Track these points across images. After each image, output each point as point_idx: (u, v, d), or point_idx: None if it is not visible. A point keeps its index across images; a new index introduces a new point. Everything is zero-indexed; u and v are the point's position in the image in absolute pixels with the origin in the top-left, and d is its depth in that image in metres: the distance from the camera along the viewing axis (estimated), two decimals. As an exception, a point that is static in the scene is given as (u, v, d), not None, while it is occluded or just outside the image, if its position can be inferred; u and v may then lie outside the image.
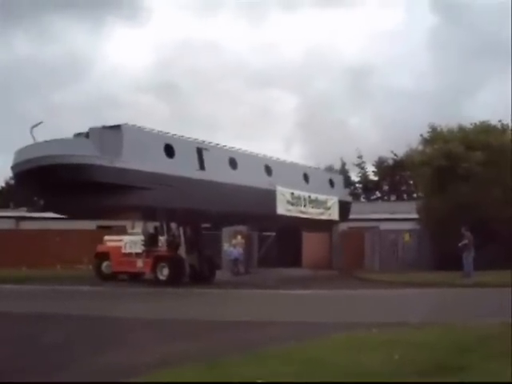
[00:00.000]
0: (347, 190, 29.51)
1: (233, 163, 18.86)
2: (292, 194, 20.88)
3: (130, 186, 15.45)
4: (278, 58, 73.19)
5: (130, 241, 20.53)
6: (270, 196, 19.77)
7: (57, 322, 9.80)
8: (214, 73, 72.87)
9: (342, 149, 68.74)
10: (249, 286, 18.78)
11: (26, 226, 30.33)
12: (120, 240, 20.82)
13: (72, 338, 8.11)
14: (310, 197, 21.81)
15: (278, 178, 20.34)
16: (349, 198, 25.67)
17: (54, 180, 15.20)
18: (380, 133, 64.51)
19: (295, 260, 29.05)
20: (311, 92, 69.72)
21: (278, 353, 6.18)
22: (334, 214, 23.16)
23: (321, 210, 22.48)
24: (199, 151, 17.90)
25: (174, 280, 18.36)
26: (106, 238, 21.58)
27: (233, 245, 25.09)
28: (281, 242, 29.24)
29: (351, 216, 27.22)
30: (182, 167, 16.99)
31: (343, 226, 28.15)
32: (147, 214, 18.44)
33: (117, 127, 15.95)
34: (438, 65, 68.61)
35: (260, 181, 19.52)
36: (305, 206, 21.59)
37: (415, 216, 26.84)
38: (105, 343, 7.65)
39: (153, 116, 63.04)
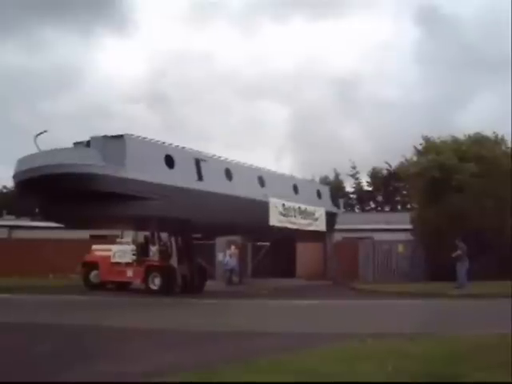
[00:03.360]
0: (341, 201, 29.73)
1: (229, 174, 19.00)
2: (283, 205, 21.18)
3: (133, 196, 15.42)
4: (270, 69, 73.92)
5: (119, 250, 20.37)
6: (263, 207, 19.98)
7: (49, 331, 9.71)
8: (206, 83, 73.32)
9: (335, 159, 69.18)
10: (243, 296, 18.70)
11: (18, 234, 30.14)
12: (108, 249, 20.63)
13: (63, 348, 8.03)
14: (299, 208, 22.13)
15: (270, 189, 20.62)
16: (335, 209, 25.96)
17: (58, 189, 15.06)
18: (372, 144, 65.08)
19: (289, 270, 29.03)
20: (303, 103, 70.43)
21: (272, 363, 6.13)
22: (322, 225, 23.47)
23: (309, 221, 22.82)
24: (197, 162, 18.02)
25: (166, 290, 18.32)
26: (94, 247, 21.30)
27: (229, 255, 25.10)
28: (275, 252, 29.17)
29: (345, 226, 27.63)
30: (182, 178, 17.05)
31: (338, 237, 28.21)
32: (147, 224, 18.46)
33: (119, 137, 15.97)
34: (425, 77, 69.92)
35: (254, 192, 19.71)
36: (295, 216, 21.94)
37: (409, 227, 26.89)
38: (97, 353, 7.57)
39: (144, 126, 63.40)
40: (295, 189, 22.67)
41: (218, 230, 22.20)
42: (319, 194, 24.46)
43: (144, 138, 16.83)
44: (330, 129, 68.06)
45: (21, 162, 15.97)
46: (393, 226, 28.74)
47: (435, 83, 69.96)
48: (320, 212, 23.28)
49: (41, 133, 16.19)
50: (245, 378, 5.37)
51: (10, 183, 51.26)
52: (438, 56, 70.73)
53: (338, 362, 6.11)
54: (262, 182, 20.57)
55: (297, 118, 69.81)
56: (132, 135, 16.39)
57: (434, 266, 23.02)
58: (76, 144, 16.64)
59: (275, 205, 20.69)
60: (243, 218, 18.54)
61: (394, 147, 50.60)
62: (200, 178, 17.84)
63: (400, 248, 25.25)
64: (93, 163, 15.27)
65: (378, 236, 27.95)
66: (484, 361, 6.00)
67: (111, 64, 79.47)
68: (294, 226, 21.77)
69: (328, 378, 5.36)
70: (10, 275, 22.89)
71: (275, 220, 20.62)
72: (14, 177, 16.33)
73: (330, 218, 24.16)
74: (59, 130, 58.55)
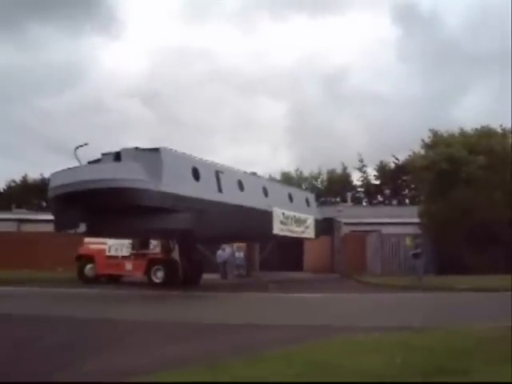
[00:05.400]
0: (349, 194, 30.13)
1: (240, 185, 19.28)
2: (283, 214, 21.93)
3: (171, 209, 15.37)
4: (268, 66, 74.07)
5: (115, 243, 20.28)
6: (267, 216, 20.61)
7: (60, 324, 9.83)
8: (204, 80, 73.26)
9: (337, 154, 69.30)
10: (249, 289, 18.80)
11: (27, 228, 30.38)
12: (103, 243, 20.43)
13: (73, 340, 8.13)
14: (295, 216, 22.96)
15: (271, 198, 21.27)
16: (320, 216, 26.52)
17: (101, 203, 14.77)
18: (367, 139, 65.16)
19: (297, 264, 29.24)
20: (305, 100, 70.45)
21: (280, 355, 6.17)
22: (312, 233, 24.63)
23: (302, 229, 23.78)
24: (217, 174, 18.25)
25: (169, 283, 18.44)
26: (86, 240, 20.83)
27: (236, 247, 25.41)
28: (282, 245, 29.30)
29: (354, 220, 28.68)
30: (207, 190, 17.17)
31: (345, 230, 28.31)
32: (177, 235, 18.51)
33: (155, 150, 15.83)
34: (418, 73, 70.42)
35: (261, 202, 20.28)
36: (292, 225, 22.76)
37: (417, 220, 26.81)
38: (108, 345, 7.65)
39: (141, 123, 63.76)
40: (290, 197, 23.62)
41: (226, 239, 22.80)
42: (308, 202, 25.66)
43: (175, 150, 16.79)
44: (328, 123, 68.22)
45: (60, 175, 15.48)
46: (400, 220, 28.70)
47: (428, 80, 71.22)
48: (310, 220, 24.44)
49: (81, 145, 16.19)
50: (253, 370, 5.42)
51: (18, 177, 51.83)
52: (432, 53, 71.02)
53: (346, 354, 6.13)
54: (265, 191, 21.26)
55: (295, 113, 70.36)
56: (166, 148, 16.23)
57: (442, 259, 22.97)
58: (104, 155, 16.38)
59: (277, 214, 21.41)
60: (252, 227, 19.12)
61: (390, 142, 50.93)
62: (220, 189, 18.07)
63: (408, 241, 25.17)
64: (138, 178, 15.00)
65: (385, 230, 27.91)
66: (491, 353, 6.00)
67: (109, 62, 79.78)
68: (292, 234, 22.81)
69: (337, 370, 5.39)
70: (20, 268, 23.14)
71: (278, 229, 21.38)
72: (53, 190, 15.68)
73: (318, 224, 25.20)
74: (58, 126, 59.41)
